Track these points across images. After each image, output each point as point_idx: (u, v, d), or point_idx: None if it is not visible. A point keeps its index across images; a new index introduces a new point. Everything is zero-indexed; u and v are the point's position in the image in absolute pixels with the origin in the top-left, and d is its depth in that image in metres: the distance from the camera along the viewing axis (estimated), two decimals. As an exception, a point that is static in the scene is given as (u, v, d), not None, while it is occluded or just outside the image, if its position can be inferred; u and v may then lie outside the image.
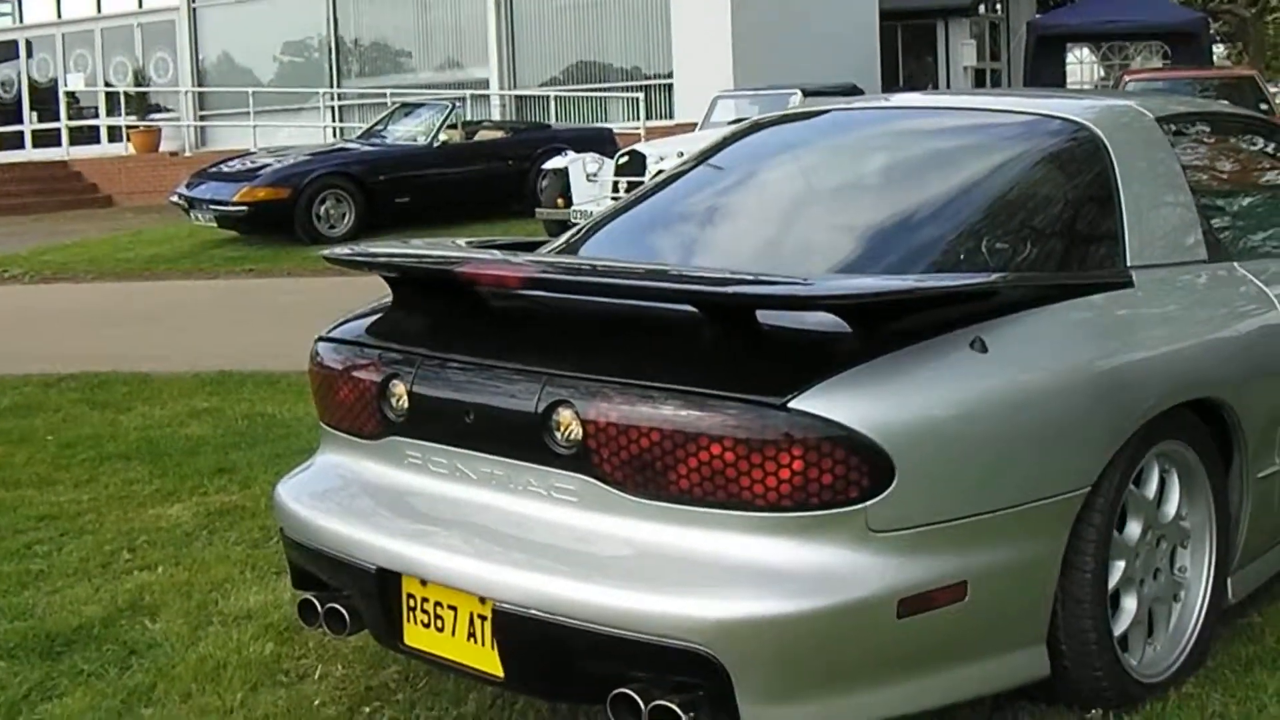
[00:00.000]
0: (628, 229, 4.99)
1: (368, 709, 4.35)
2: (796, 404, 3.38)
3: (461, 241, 4.94)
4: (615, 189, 17.19)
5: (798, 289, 3.63)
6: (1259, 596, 4.78)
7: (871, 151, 5.03)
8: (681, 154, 16.98)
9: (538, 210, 17.94)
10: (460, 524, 3.88)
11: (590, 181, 17.63)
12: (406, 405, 4.03)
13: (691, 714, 3.38)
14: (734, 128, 5.63)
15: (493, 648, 3.69)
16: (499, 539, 3.77)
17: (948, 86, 33.72)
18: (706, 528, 3.48)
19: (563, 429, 3.66)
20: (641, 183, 16.75)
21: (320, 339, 4.40)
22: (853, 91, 19.40)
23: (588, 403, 3.60)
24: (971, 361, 3.65)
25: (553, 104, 26.80)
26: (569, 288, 3.99)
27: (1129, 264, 4.32)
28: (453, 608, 3.79)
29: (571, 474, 3.67)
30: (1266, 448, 4.53)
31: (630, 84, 27.12)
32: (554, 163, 18.27)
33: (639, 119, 24.65)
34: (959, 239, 4.30)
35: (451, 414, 3.90)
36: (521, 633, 3.60)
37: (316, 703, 4.40)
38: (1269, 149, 5.71)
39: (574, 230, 5.09)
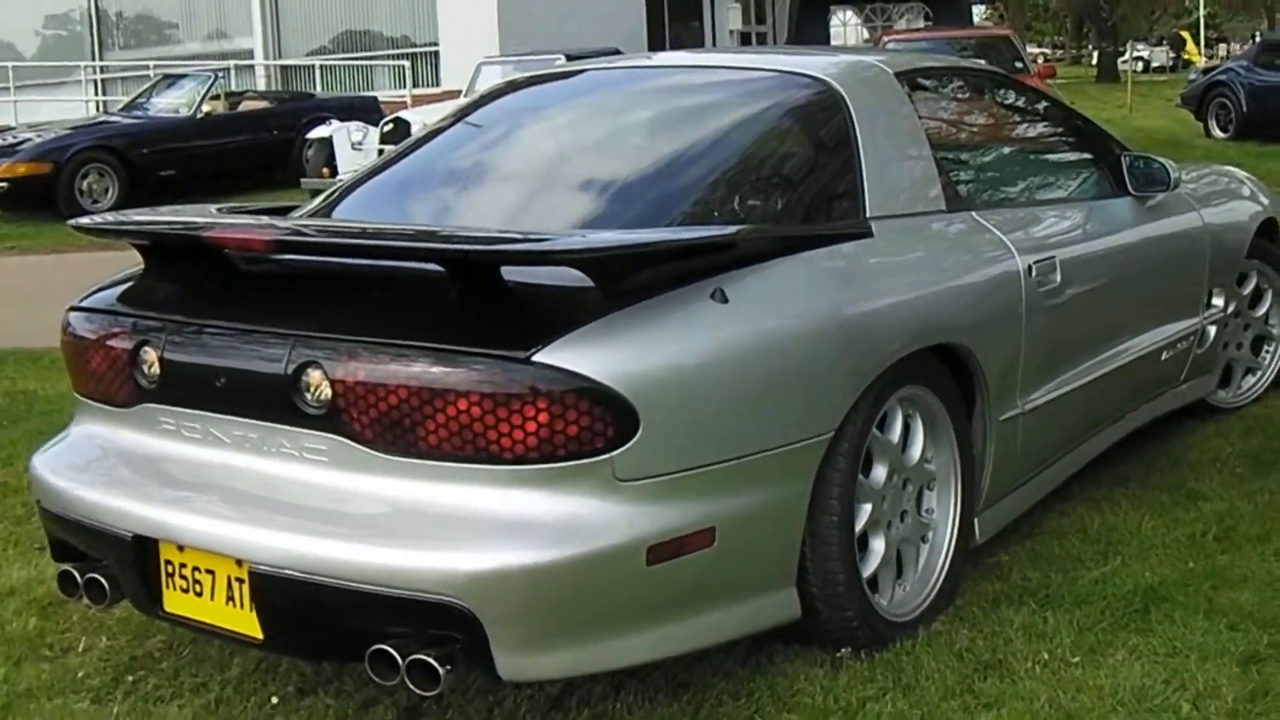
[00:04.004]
0: (381, 191, 4.97)
1: (131, 678, 4.31)
2: (540, 357, 3.41)
3: (213, 208, 4.88)
4: (380, 157, 17.05)
5: (538, 245, 3.66)
6: (1006, 536, 4.94)
7: (622, 110, 5.08)
8: (446, 120, 16.91)
9: (303, 180, 17.76)
10: (215, 488, 3.85)
11: (355, 150, 17.51)
12: (158, 372, 3.98)
13: (448, 667, 3.41)
14: (490, 88, 5.62)
15: (251, 610, 3.67)
16: (254, 501, 3.75)
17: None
18: (456, 482, 3.49)
19: (312, 390, 3.64)
20: (408, 151, 16.66)
21: (72, 308, 4.31)
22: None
23: (335, 363, 3.59)
24: (712, 312, 3.71)
25: (318, 73, 26.52)
26: (316, 249, 3.97)
27: (868, 215, 4.41)
28: (210, 572, 3.76)
29: (322, 434, 3.65)
30: (1007, 391, 4.68)
31: (396, 52, 26.97)
32: (318, 132, 18.13)
33: (405, 87, 24.52)
34: (704, 193, 4.38)
35: (203, 379, 3.86)
36: (278, 594, 3.59)
37: (81, 674, 4.34)
38: (1007, 103, 5.88)
39: (327, 193, 5.06)
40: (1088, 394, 5.20)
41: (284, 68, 28.18)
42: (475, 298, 3.61)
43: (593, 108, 5.18)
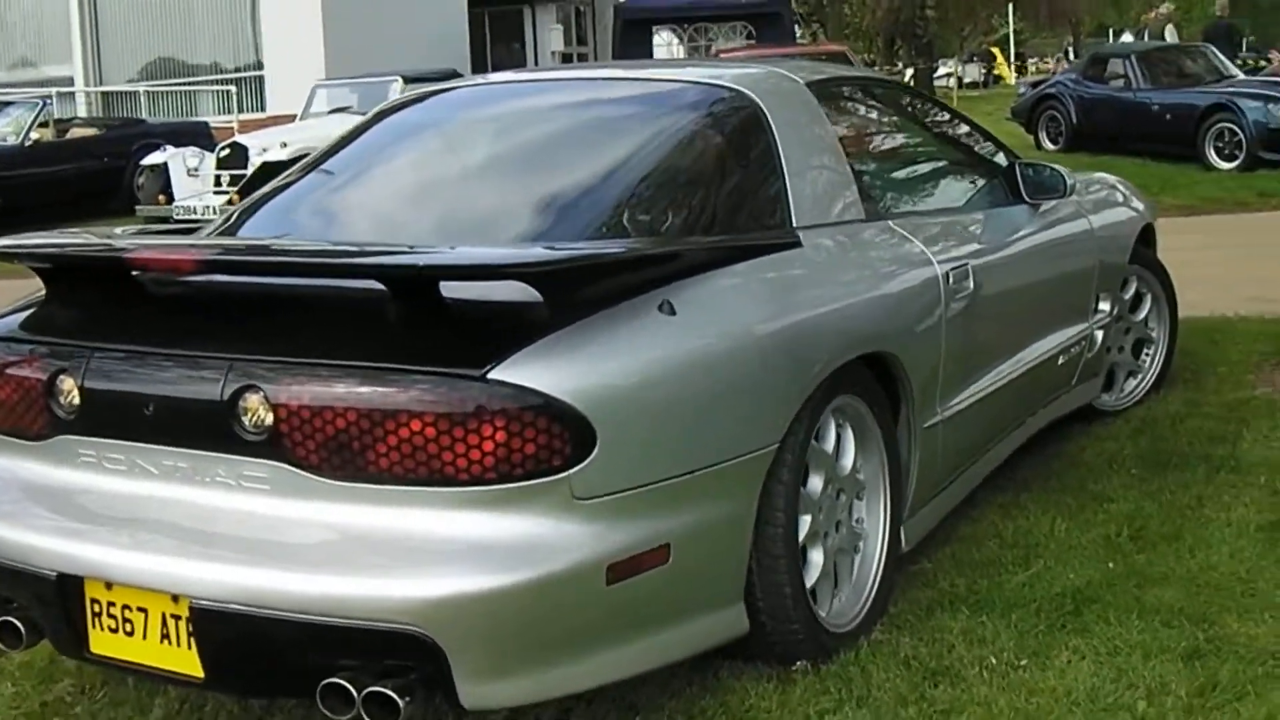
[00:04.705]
0: (289, 209, 4.80)
1: (51, 725, 4.10)
2: (496, 374, 3.31)
3: (116, 230, 4.71)
4: (218, 182, 16.90)
5: (486, 258, 3.58)
6: (925, 544, 4.92)
7: (538, 122, 4.97)
8: (285, 144, 16.75)
9: (138, 208, 17.47)
10: (144, 522, 3.67)
11: (192, 176, 17.27)
12: (77, 401, 3.78)
13: (407, 698, 3.28)
14: (391, 101, 5.46)
15: (190, 648, 3.50)
16: (189, 534, 3.57)
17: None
18: (409, 506, 3.38)
19: (251, 415, 3.50)
20: (244, 175, 16.48)
21: None
22: (453, 77, 19.38)
23: (277, 386, 3.45)
24: (662, 325, 3.65)
25: (143, 99, 26.05)
26: (249, 268, 3.83)
27: (795, 225, 4.39)
28: (143, 610, 3.57)
29: (262, 461, 3.50)
30: (929, 398, 4.68)
31: (221, 77, 26.63)
32: (153, 158, 17.82)
33: (231, 112, 24.17)
34: (632, 206, 4.32)
35: (128, 407, 3.68)
36: (221, 629, 3.43)
37: (-11, 725, 4.14)
38: (907, 113, 5.89)
39: (231, 212, 4.90)
40: (997, 399, 5.22)
41: (105, 94, 27.64)
42: (419, 315, 3.50)
43: (507, 120, 5.05)
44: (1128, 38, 32.83)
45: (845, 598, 4.35)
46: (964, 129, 5.97)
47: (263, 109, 25.82)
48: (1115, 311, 6.50)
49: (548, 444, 3.34)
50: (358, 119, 15.86)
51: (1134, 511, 5.34)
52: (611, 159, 4.52)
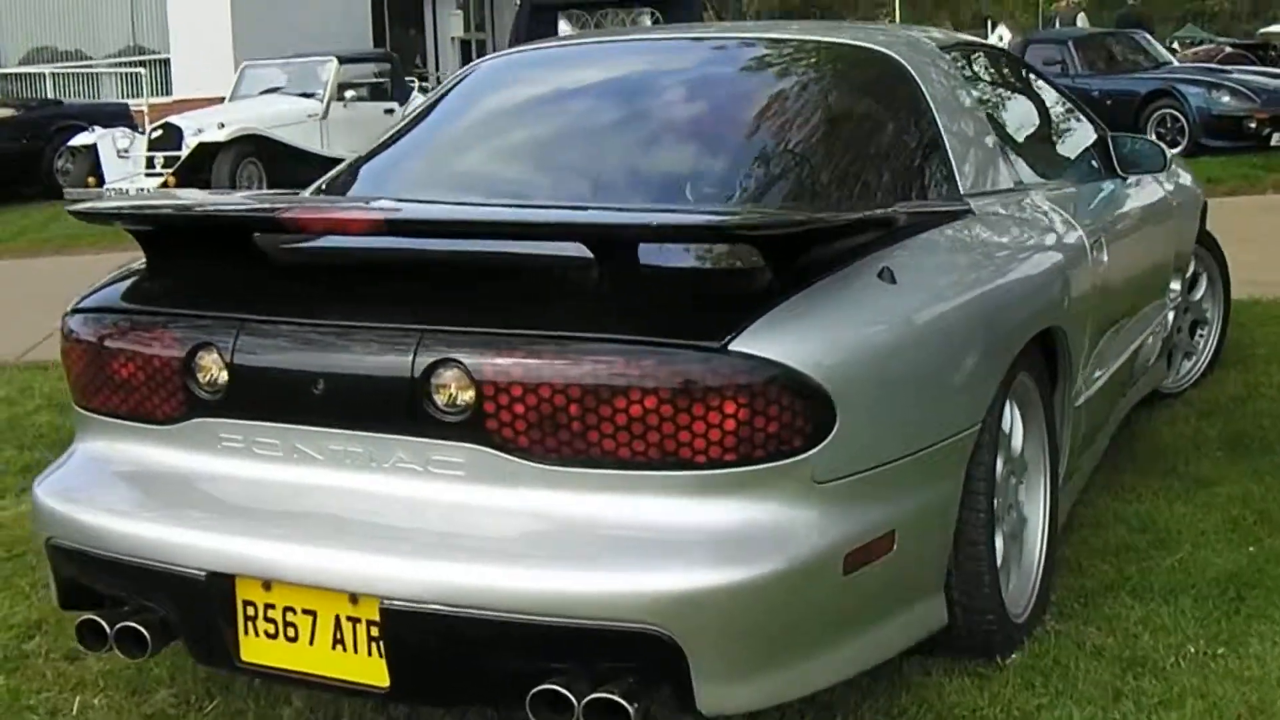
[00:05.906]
0: (413, 167, 4.49)
1: (165, 744, 3.74)
2: (737, 345, 3.02)
3: (237, 194, 4.39)
4: (150, 164, 16.45)
5: (716, 220, 3.32)
6: (1053, 528, 4.72)
7: (689, 81, 4.66)
8: (223, 125, 16.34)
9: (67, 191, 16.87)
10: (309, 514, 3.31)
11: (122, 157, 16.77)
12: (225, 379, 3.40)
13: (635, 704, 2.98)
14: (485, 60, 5.07)
15: (372, 654, 3.17)
16: (366, 527, 3.23)
17: (436, 58, 33.74)
18: (637, 491, 3.08)
19: (446, 392, 3.17)
20: (178, 157, 16.05)
21: (74, 310, 3.69)
22: (387, 59, 19.18)
23: (481, 360, 3.12)
24: (885, 294, 3.40)
25: (49, 81, 25.38)
26: (436, 229, 3.46)
27: (963, 192, 4.17)
28: (310, 612, 3.23)
29: (458, 443, 3.17)
30: (1080, 375, 4.48)
31: (127, 60, 26.09)
32: (80, 139, 17.30)
33: (137, 96, 23.56)
34: (805, 168, 4.09)
35: (292, 386, 3.32)
36: (417, 633, 3.10)
37: (93, 742, 3.74)
38: (1022, 82, 5.65)
39: (335, 172, 4.55)
40: (1118, 376, 5.05)
41: (3, 75, 26.94)
42: (635, 282, 3.19)
43: (652, 80, 4.70)
44: (1003, 30, 33.01)
45: (1015, 585, 4.09)
46: (1068, 100, 5.77)
47: (169, 93, 25.21)
48: (1180, 291, 6.34)
49: (790, 422, 3.06)
50: (294, 100, 15.53)
51: (1244, 495, 5.17)
52: (774, 121, 4.27)
